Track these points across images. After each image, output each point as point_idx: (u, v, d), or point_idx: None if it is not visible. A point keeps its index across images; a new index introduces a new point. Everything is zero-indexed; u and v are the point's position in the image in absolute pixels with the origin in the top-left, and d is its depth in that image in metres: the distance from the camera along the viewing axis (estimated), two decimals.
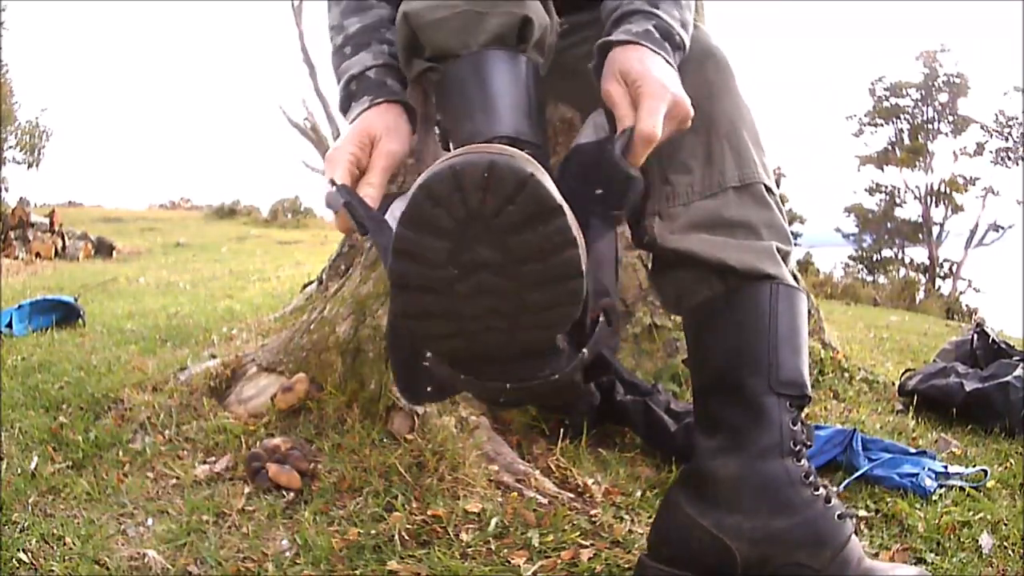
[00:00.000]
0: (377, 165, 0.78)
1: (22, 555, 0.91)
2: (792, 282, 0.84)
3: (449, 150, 0.78)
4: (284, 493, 1.09)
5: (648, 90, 0.75)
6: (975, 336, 1.86)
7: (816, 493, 0.76)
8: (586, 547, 0.94)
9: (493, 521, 0.99)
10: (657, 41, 0.81)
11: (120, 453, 1.24)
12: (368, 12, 0.89)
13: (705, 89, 0.86)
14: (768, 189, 0.86)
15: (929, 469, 1.16)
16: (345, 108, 0.86)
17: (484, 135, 0.71)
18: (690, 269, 0.84)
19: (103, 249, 7.08)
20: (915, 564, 0.94)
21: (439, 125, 0.85)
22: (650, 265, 0.94)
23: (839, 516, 0.76)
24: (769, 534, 0.75)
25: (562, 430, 1.24)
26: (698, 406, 0.84)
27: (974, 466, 1.21)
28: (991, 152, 14.95)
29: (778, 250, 0.84)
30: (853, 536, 0.76)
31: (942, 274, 14.69)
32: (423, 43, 0.76)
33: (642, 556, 0.83)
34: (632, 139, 0.73)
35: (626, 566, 0.90)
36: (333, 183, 0.75)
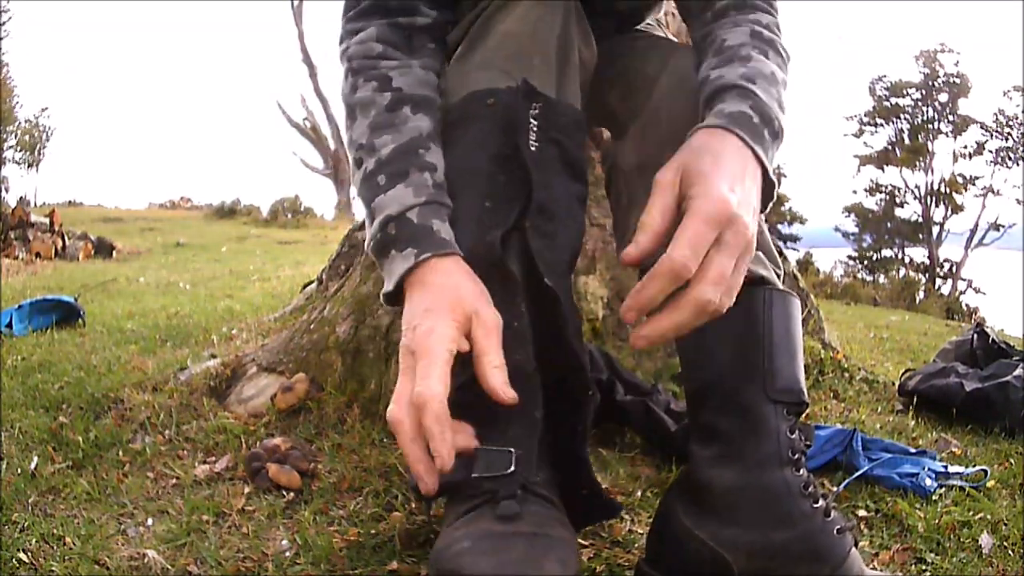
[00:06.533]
0: (494, 343, 0.68)
1: (22, 555, 0.91)
2: (784, 288, 0.82)
3: None
4: (284, 493, 1.09)
5: (702, 205, 0.62)
6: (975, 336, 1.86)
7: (815, 506, 0.74)
8: (586, 547, 0.93)
9: None
10: (753, 127, 0.71)
11: (120, 453, 1.23)
12: (402, 127, 0.77)
13: (695, 110, 0.85)
14: None
15: (929, 469, 1.16)
16: (381, 253, 0.75)
17: None
18: None
19: (103, 249, 7.08)
20: (915, 564, 0.94)
21: None
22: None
23: (838, 531, 0.74)
24: (767, 547, 0.73)
25: None
26: (692, 415, 0.82)
27: (974, 466, 1.21)
28: (991, 152, 14.96)
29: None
30: (853, 550, 0.74)
31: (942, 274, 14.70)
32: None
33: (640, 561, 0.83)
34: (655, 271, 0.61)
35: (626, 566, 0.90)
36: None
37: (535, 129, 0.77)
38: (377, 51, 0.82)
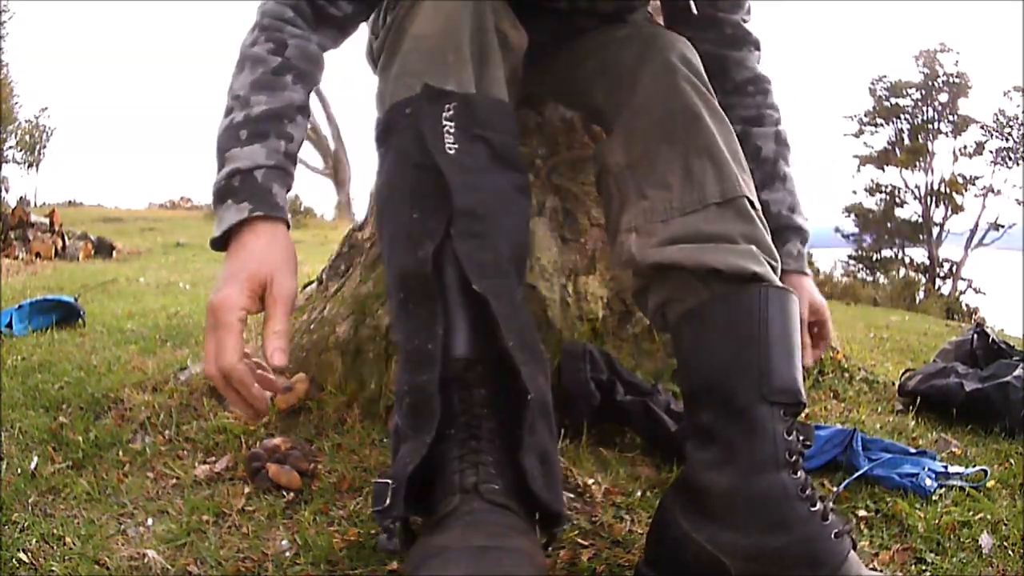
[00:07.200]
0: (279, 311, 0.74)
1: (22, 555, 0.91)
2: (781, 284, 0.81)
3: None
4: (284, 493, 1.09)
5: (829, 325, 1.07)
6: (975, 336, 1.86)
7: (813, 509, 0.73)
8: (586, 547, 0.93)
9: None
10: (804, 261, 1.07)
11: (120, 453, 1.23)
12: (279, 93, 0.83)
13: (681, 102, 0.85)
14: (751, 204, 0.83)
15: (929, 469, 1.15)
16: (221, 199, 0.79)
17: None
18: (673, 279, 0.82)
19: (103, 249, 7.07)
20: (915, 564, 0.94)
21: None
22: (631, 286, 0.92)
23: (836, 534, 0.73)
24: (764, 552, 0.72)
25: (562, 430, 1.24)
26: (689, 416, 0.81)
27: (974, 466, 1.21)
28: (991, 152, 14.95)
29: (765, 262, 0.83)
30: (851, 553, 0.74)
31: (942, 274, 14.69)
32: None
33: (639, 563, 0.83)
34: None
35: (626, 566, 0.90)
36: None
37: (451, 131, 0.77)
38: (287, 16, 0.87)
